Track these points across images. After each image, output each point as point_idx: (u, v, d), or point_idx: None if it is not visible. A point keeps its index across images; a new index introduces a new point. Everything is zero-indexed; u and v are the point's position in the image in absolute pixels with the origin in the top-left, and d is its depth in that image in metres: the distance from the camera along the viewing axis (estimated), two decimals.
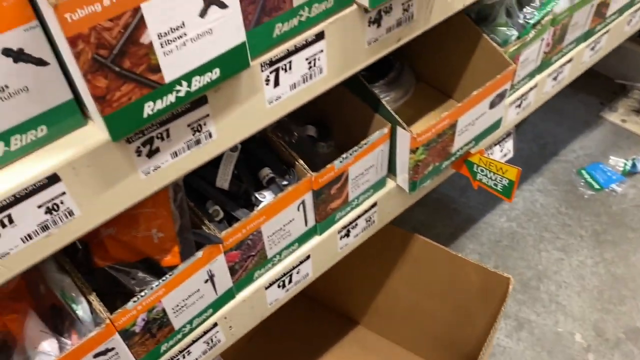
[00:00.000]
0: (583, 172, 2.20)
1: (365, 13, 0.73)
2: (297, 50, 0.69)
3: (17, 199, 0.54)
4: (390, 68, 1.18)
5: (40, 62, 0.52)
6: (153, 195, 0.76)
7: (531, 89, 1.25)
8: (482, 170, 1.14)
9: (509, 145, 1.33)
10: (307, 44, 0.70)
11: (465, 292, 1.41)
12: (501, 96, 1.05)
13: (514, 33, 1.08)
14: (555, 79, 1.31)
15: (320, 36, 0.71)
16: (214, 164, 0.87)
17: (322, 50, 0.72)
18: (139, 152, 0.61)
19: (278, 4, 0.63)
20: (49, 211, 0.57)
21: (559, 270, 1.92)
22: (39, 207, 0.56)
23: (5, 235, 0.56)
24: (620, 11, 1.37)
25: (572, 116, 2.41)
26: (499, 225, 2.09)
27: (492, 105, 1.05)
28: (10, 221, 0.55)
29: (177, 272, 0.77)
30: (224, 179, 0.85)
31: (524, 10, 1.12)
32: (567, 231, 2.04)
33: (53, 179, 0.56)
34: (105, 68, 0.50)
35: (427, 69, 1.24)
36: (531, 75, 1.22)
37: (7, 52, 0.49)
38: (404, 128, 0.94)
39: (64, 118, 0.56)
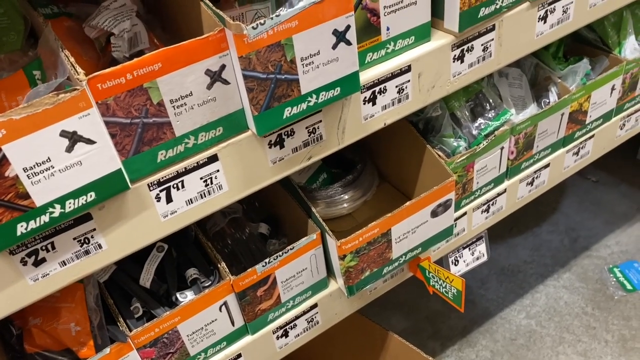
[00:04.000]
0: (615, 270, 2.07)
1: (263, 137, 0.80)
2: (188, 171, 0.76)
3: None
4: (351, 169, 1.23)
5: None
6: (71, 292, 0.84)
7: (499, 194, 1.24)
8: (433, 277, 1.13)
9: (481, 248, 1.31)
10: (199, 166, 0.77)
11: None
12: (445, 206, 1.06)
13: (462, 144, 1.10)
14: (531, 184, 1.30)
15: (213, 158, 0.77)
16: (142, 262, 0.94)
17: (218, 170, 0.79)
18: (24, 262, 0.69)
19: (158, 135, 0.71)
20: None
21: None
22: None
23: None
24: (605, 117, 1.35)
25: (610, 209, 2.30)
26: (517, 321, 2.01)
27: (435, 214, 1.06)
28: None
29: None
30: (146, 278, 0.92)
31: (478, 120, 1.14)
32: (591, 334, 1.92)
33: None
34: None
35: (391, 171, 1.27)
36: (496, 181, 1.22)
37: None
38: (330, 235, 0.97)
39: None
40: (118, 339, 0.85)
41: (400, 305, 2.11)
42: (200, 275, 0.95)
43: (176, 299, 0.94)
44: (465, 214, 1.20)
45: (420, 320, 2.09)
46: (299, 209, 1.03)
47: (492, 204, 1.25)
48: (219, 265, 0.95)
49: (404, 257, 1.08)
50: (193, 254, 0.98)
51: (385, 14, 0.84)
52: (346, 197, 1.20)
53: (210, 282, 0.95)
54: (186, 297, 0.94)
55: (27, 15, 0.75)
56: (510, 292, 2.12)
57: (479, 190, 1.19)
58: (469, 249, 1.29)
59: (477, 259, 1.32)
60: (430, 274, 1.13)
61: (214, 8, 0.69)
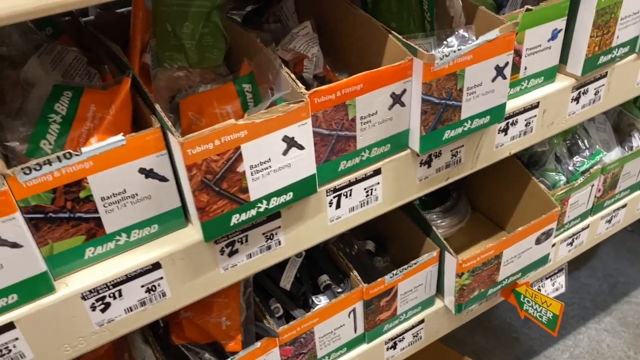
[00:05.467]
0: None
1: (418, 156, 0.89)
2: (357, 181, 0.85)
3: (128, 278, 0.71)
4: (448, 197, 1.32)
5: (163, 179, 0.71)
6: (226, 288, 0.92)
7: (583, 229, 1.33)
8: (528, 302, 1.21)
9: (561, 280, 1.39)
10: (366, 177, 0.86)
11: None
12: (547, 234, 1.15)
13: (562, 178, 1.19)
14: (609, 222, 1.38)
15: (377, 172, 0.87)
16: (280, 265, 1.02)
17: (378, 183, 0.88)
18: (222, 252, 0.77)
19: (344, 147, 0.80)
20: (148, 290, 0.74)
21: None
22: (142, 286, 0.73)
23: (114, 306, 0.72)
24: None
25: None
26: None
27: (538, 241, 1.14)
28: (120, 295, 0.72)
29: (237, 357, 0.89)
30: (287, 281, 0.99)
31: (574, 158, 1.23)
32: None
33: (156, 265, 0.73)
34: (209, 188, 0.68)
35: (484, 201, 1.36)
36: (583, 216, 1.31)
37: (142, 170, 0.68)
38: (451, 254, 1.05)
39: (171, 220, 0.74)
40: (269, 335, 0.92)
41: (445, 340, 2.15)
42: (331, 282, 1.03)
43: (312, 302, 1.01)
44: (554, 245, 1.28)
45: (466, 355, 2.13)
46: (417, 228, 1.12)
47: (576, 238, 1.33)
48: (350, 274, 1.02)
49: (506, 280, 1.16)
50: (324, 261, 1.05)
51: (526, 55, 0.94)
52: (444, 223, 1.28)
53: (341, 290, 1.02)
54: (320, 301, 1.01)
55: (226, 35, 0.85)
56: None
57: (568, 224, 1.28)
58: (551, 279, 1.36)
59: (557, 289, 1.39)
60: (526, 299, 1.21)
61: (403, 40, 0.79)
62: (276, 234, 0.81)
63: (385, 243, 1.24)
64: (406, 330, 1.13)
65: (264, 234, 0.80)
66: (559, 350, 2.05)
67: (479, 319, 2.27)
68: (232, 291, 0.94)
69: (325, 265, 1.05)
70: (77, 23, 0.90)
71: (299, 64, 0.85)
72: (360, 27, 0.87)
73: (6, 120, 0.68)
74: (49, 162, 0.62)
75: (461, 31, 0.88)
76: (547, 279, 1.36)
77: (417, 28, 0.96)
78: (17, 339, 0.67)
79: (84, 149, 0.63)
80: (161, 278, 0.74)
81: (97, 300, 0.70)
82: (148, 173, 0.69)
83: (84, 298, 0.69)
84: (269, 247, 0.82)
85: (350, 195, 0.86)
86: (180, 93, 0.84)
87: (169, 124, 0.66)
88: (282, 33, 0.94)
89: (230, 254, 0.78)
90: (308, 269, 1.06)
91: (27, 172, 0.61)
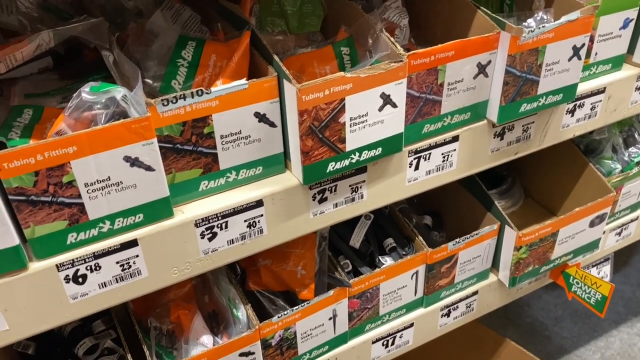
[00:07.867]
0: None
1: (493, 127, 0.95)
2: (437, 145, 0.92)
3: (235, 211, 0.79)
4: (502, 181, 1.38)
5: (272, 125, 0.78)
6: (304, 239, 0.99)
7: (632, 220, 1.38)
8: (577, 283, 1.26)
9: (606, 269, 1.43)
10: (445, 143, 0.93)
11: None
12: (601, 218, 1.20)
13: (618, 167, 1.24)
14: None
15: (455, 138, 0.93)
16: (350, 226, 1.09)
17: (455, 149, 0.94)
18: (314, 197, 0.85)
19: (430, 111, 0.87)
20: (249, 226, 0.82)
21: None
22: (245, 221, 0.81)
23: (219, 236, 0.80)
24: None
25: None
26: None
27: (592, 224, 1.19)
28: (226, 227, 0.80)
29: (312, 302, 0.97)
30: (356, 240, 1.06)
31: (630, 149, 1.28)
32: None
33: (259, 203, 0.80)
34: (314, 134, 0.76)
35: (537, 188, 1.42)
36: (633, 208, 1.35)
37: (257, 114, 0.76)
38: (511, 227, 1.11)
39: (273, 164, 0.82)
40: (342, 284, 0.99)
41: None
42: (396, 245, 1.09)
43: (378, 261, 1.08)
44: (603, 232, 1.33)
45: None
46: (478, 202, 1.18)
47: (625, 229, 1.38)
48: (416, 238, 1.09)
49: (558, 260, 1.21)
50: (390, 226, 1.12)
51: (598, 41, 1.00)
52: (499, 205, 1.34)
53: (406, 253, 1.09)
54: (386, 261, 1.08)
55: (324, 4, 0.93)
56: (584, 333, 2.20)
57: (618, 213, 1.33)
58: (597, 267, 1.41)
59: (602, 278, 1.43)
60: (575, 280, 1.26)
61: (491, 14, 0.86)
62: (360, 188, 0.88)
63: (441, 218, 1.31)
64: (461, 300, 1.19)
65: (350, 185, 0.87)
66: (591, 351, 2.08)
67: (510, 316, 2.30)
68: (309, 242, 1.01)
69: (391, 229, 1.12)
70: None
71: (390, 33, 0.92)
72: (448, 3, 0.94)
73: (142, 59, 0.76)
74: (184, 97, 0.70)
75: (541, 13, 0.94)
76: (593, 266, 1.41)
77: (495, 11, 1.02)
78: (137, 255, 0.75)
79: (212, 89, 0.71)
80: (261, 215, 0.82)
81: (206, 229, 0.78)
82: (261, 117, 0.77)
83: (196, 225, 0.77)
84: (352, 199, 0.89)
85: (428, 158, 0.93)
86: (278, 55, 0.92)
87: (287, 72, 0.73)
88: (366, 10, 1.01)
89: (320, 201, 0.86)
90: (375, 232, 1.13)
91: (165, 103, 0.69)
